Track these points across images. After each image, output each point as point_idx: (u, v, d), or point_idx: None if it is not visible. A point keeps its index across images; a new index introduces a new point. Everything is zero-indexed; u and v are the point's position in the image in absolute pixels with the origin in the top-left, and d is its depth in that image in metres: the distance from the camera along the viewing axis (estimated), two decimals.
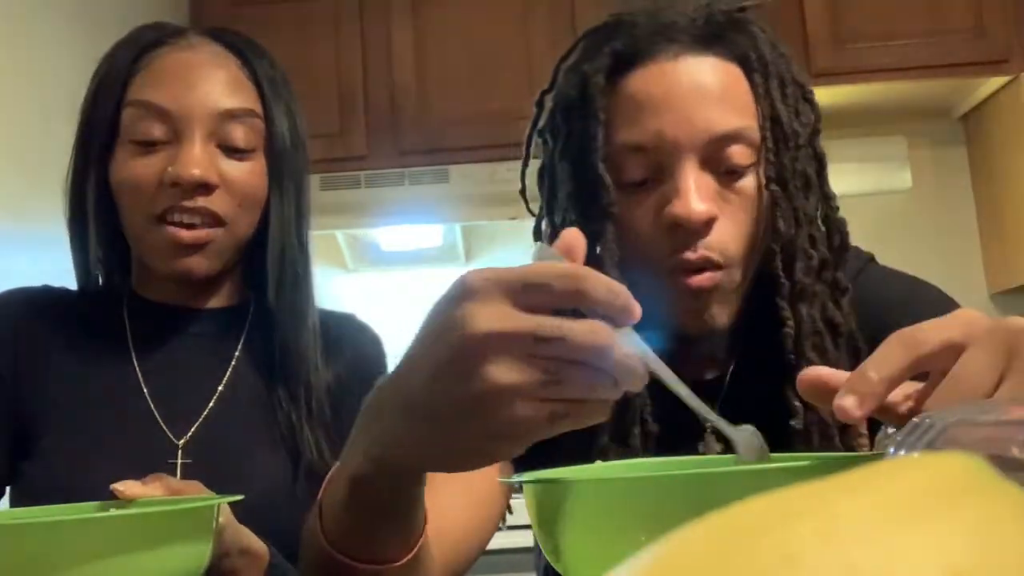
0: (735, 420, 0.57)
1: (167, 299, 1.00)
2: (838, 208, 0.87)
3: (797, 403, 0.79)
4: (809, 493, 0.20)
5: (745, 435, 0.55)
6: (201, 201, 0.92)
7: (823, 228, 0.85)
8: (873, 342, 0.74)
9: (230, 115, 0.94)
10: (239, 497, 0.61)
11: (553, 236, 0.85)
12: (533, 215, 0.93)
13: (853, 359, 0.81)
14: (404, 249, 2.73)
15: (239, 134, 0.94)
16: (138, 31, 0.99)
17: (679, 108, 0.78)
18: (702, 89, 0.79)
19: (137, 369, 0.97)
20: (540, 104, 0.90)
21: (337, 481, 0.60)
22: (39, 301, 0.99)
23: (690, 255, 0.78)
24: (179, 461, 0.92)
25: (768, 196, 0.81)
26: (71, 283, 1.02)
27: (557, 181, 0.86)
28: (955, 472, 0.20)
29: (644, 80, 0.81)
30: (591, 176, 0.81)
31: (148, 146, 0.92)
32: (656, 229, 0.79)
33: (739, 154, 0.79)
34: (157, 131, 0.92)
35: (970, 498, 0.19)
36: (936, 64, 2.42)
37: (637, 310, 0.50)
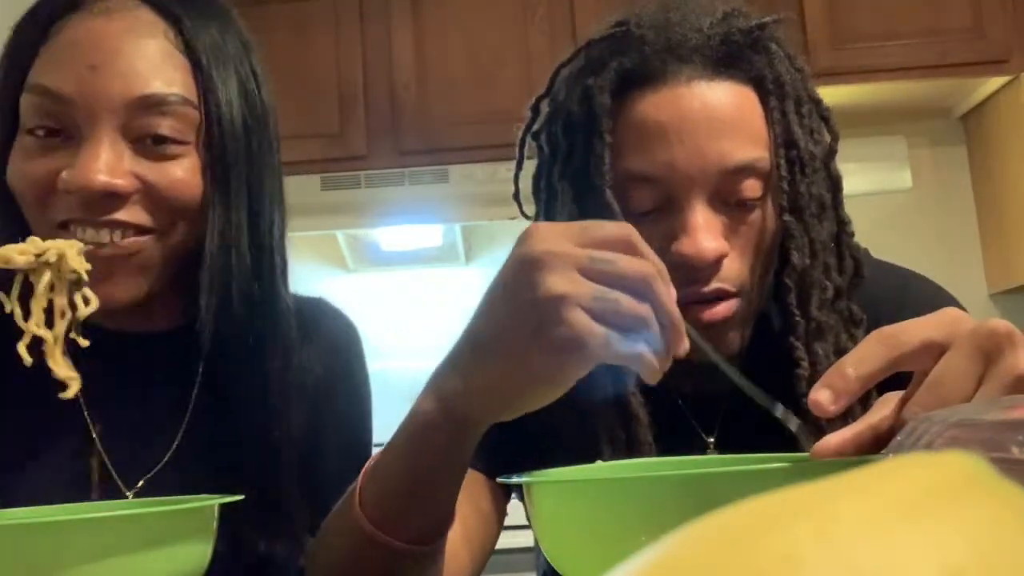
0: (737, 434, 0.58)
1: (101, 320, 0.75)
2: (853, 234, 0.83)
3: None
4: (809, 493, 0.20)
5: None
6: (112, 214, 0.73)
7: (836, 254, 0.82)
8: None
9: (149, 102, 0.74)
10: (239, 497, 0.61)
11: None
12: (527, 218, 0.90)
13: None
14: (404, 249, 2.73)
15: (163, 126, 0.74)
16: None
17: (691, 139, 0.75)
18: (715, 119, 0.76)
19: (84, 406, 0.79)
20: (536, 109, 0.87)
21: (393, 451, 0.64)
22: None
23: (703, 289, 0.76)
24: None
25: (781, 226, 0.79)
26: None
27: (558, 200, 0.83)
28: (955, 472, 0.20)
29: (655, 105, 0.77)
30: (598, 204, 0.77)
31: (40, 138, 0.74)
32: (664, 262, 0.78)
33: (750, 187, 0.77)
34: (52, 120, 0.74)
35: (970, 498, 0.19)
36: (936, 64, 2.42)
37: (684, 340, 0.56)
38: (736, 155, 0.76)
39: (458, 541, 0.78)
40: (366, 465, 0.67)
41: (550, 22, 2.50)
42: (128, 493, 0.78)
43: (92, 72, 0.73)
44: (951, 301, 0.87)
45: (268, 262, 0.81)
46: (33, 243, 0.65)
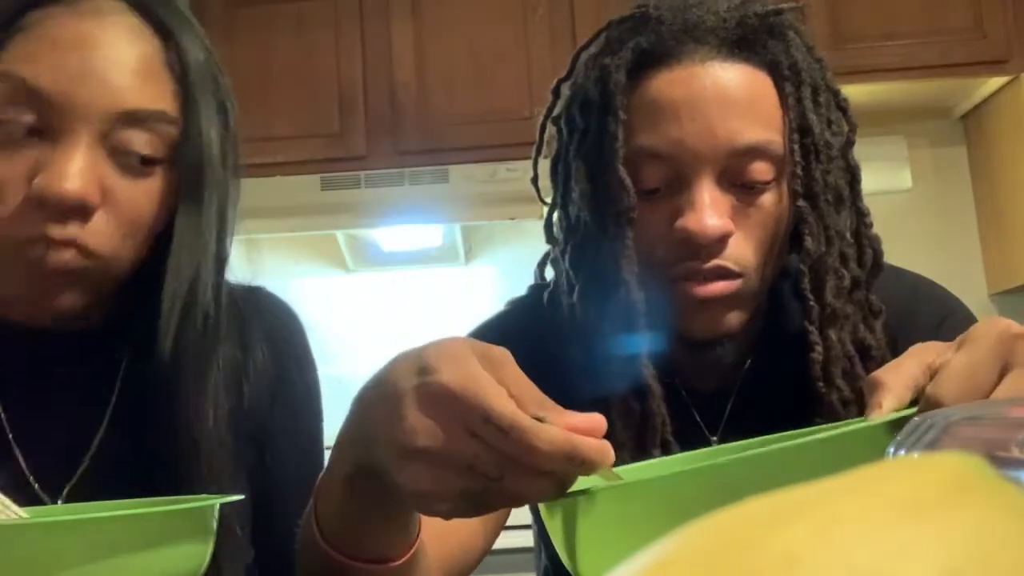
0: (741, 433, 0.57)
1: (19, 316, 0.73)
2: (871, 224, 0.83)
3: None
4: (809, 493, 0.20)
5: None
6: (73, 229, 0.68)
7: (855, 245, 0.82)
8: None
9: (132, 117, 0.70)
10: (239, 497, 0.60)
11: (569, 231, 0.84)
12: (545, 204, 0.90)
13: None
14: (404, 249, 2.73)
15: (140, 141, 0.71)
16: None
17: (701, 117, 0.75)
18: (727, 98, 0.76)
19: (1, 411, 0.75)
20: (556, 92, 0.87)
21: (331, 483, 0.60)
22: None
23: (699, 265, 0.76)
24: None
25: (796, 212, 0.79)
26: None
27: (571, 177, 0.83)
28: (955, 472, 0.20)
29: (668, 83, 0.77)
30: (610, 179, 0.78)
31: (10, 135, 0.69)
32: (668, 238, 0.77)
33: (760, 169, 0.77)
34: (26, 118, 0.68)
35: (970, 498, 0.19)
36: (936, 64, 2.42)
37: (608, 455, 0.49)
38: (746, 135, 0.76)
39: (449, 541, 0.77)
40: (318, 481, 0.63)
41: (550, 22, 2.50)
42: (57, 501, 0.73)
43: (78, 74, 0.69)
44: (958, 305, 0.88)
45: (222, 275, 0.78)
46: None
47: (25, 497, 0.69)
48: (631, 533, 0.47)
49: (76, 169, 0.68)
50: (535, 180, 0.92)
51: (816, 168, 0.78)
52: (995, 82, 2.47)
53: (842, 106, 0.83)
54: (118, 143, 0.70)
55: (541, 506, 0.53)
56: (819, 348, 0.78)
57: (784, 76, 0.78)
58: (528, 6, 2.54)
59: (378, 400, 0.52)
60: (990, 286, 2.67)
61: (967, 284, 2.62)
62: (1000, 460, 0.31)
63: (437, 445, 0.48)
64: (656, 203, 0.78)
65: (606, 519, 0.48)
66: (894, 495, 0.19)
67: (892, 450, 0.39)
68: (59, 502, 0.73)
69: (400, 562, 0.63)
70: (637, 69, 0.79)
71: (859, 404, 0.76)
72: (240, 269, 0.85)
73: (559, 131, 0.87)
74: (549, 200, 0.89)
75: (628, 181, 0.77)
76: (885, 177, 2.54)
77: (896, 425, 0.45)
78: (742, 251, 0.77)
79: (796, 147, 0.78)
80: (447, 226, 2.64)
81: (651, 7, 0.81)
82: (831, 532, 0.18)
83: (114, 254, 0.71)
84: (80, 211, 0.68)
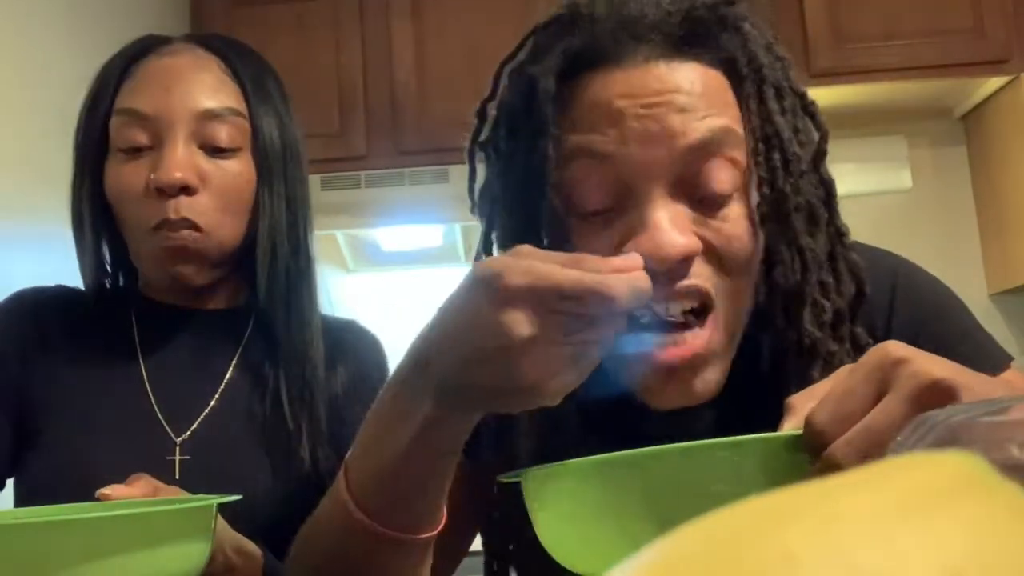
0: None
1: (171, 300, 1.00)
2: (850, 247, 0.72)
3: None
4: (809, 492, 0.20)
5: None
6: (184, 209, 0.91)
7: (833, 272, 0.70)
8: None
9: (211, 115, 0.93)
10: (237, 497, 0.61)
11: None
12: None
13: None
14: (404, 249, 2.73)
15: (222, 133, 0.93)
16: (130, 44, 0.99)
17: (648, 121, 0.64)
18: (676, 100, 0.65)
19: (143, 368, 0.97)
20: (482, 115, 0.79)
21: (369, 437, 0.64)
22: (52, 300, 1.01)
23: (662, 308, 0.64)
24: (177, 458, 0.93)
25: (762, 232, 0.68)
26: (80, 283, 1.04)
27: (501, 205, 0.74)
28: (955, 472, 0.20)
29: (606, 88, 0.66)
30: (541, 205, 0.68)
31: (134, 153, 0.93)
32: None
33: (719, 179, 0.65)
34: (141, 137, 0.92)
35: (970, 498, 0.19)
36: (936, 64, 2.42)
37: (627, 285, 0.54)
38: (699, 130, 0.64)
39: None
40: (351, 450, 0.66)
41: None
42: (177, 440, 0.94)
43: (165, 94, 0.92)
44: (941, 289, 0.81)
45: (301, 256, 1.02)
46: None
47: (157, 435, 0.93)
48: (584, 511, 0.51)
49: (177, 159, 0.90)
50: (474, 210, 0.81)
51: (784, 181, 0.67)
52: (995, 82, 2.48)
53: (810, 111, 0.72)
54: (205, 137, 0.93)
55: (523, 480, 0.56)
56: (794, 390, 0.64)
57: (742, 74, 0.68)
58: (528, 6, 2.54)
59: (465, 324, 0.55)
60: (990, 286, 2.67)
61: (967, 284, 2.62)
62: (1000, 460, 0.31)
63: (536, 330, 0.52)
64: (601, 228, 0.67)
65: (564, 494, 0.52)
66: (894, 494, 0.19)
67: (892, 450, 0.39)
68: (182, 438, 0.94)
69: (429, 535, 0.64)
70: (569, 74, 0.68)
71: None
72: None
73: (488, 157, 0.79)
74: None
75: (561, 208, 0.68)
76: (885, 177, 2.54)
77: (796, 441, 0.48)
78: (706, 273, 0.66)
79: (760, 158, 0.67)
80: (447, 226, 2.64)
81: (582, 5, 0.70)
82: (831, 531, 0.18)
83: (218, 226, 0.93)
84: (185, 191, 0.91)
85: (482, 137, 0.79)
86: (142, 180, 0.92)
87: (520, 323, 0.52)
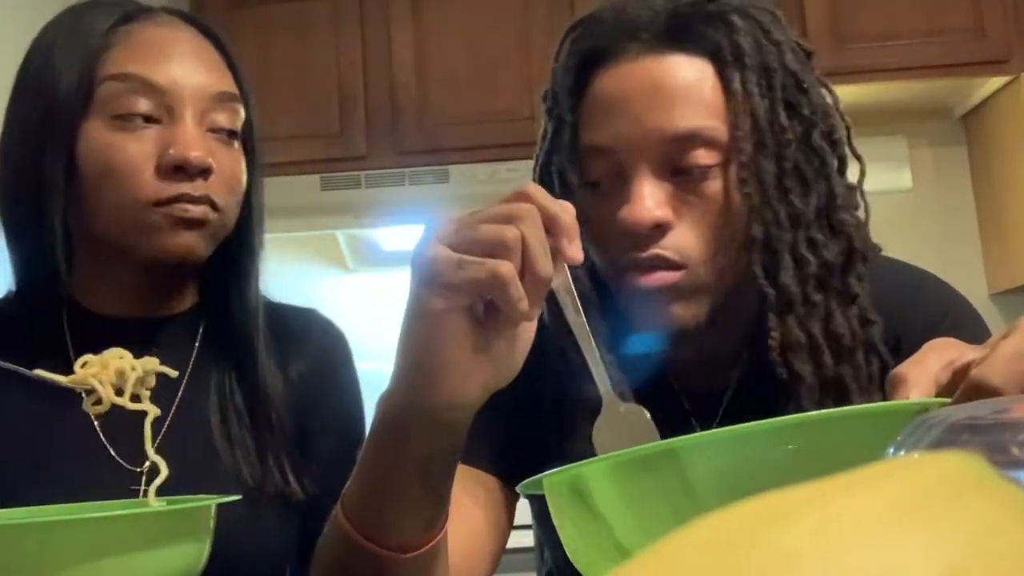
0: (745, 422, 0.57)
1: (116, 311, 0.90)
2: (844, 207, 0.80)
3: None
4: (810, 493, 0.20)
5: (628, 410, 0.64)
6: (203, 188, 0.85)
7: (826, 229, 0.79)
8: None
9: (219, 98, 0.88)
10: (237, 497, 0.61)
11: None
12: None
13: (878, 370, 0.78)
14: (404, 249, 2.73)
15: (225, 119, 0.89)
16: (95, 7, 0.90)
17: (634, 111, 0.77)
18: (660, 90, 0.76)
19: (84, 395, 0.85)
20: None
21: (362, 459, 0.65)
22: None
23: (639, 254, 0.76)
24: (142, 487, 0.83)
25: (741, 199, 0.77)
26: None
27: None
28: (955, 472, 0.20)
29: (605, 82, 0.79)
30: (558, 177, 0.81)
31: (131, 122, 0.84)
32: (610, 231, 0.78)
33: (700, 156, 0.76)
34: (144, 106, 0.84)
35: (970, 498, 0.19)
36: (936, 64, 2.42)
37: (577, 247, 0.59)
38: (678, 123, 0.76)
39: (464, 542, 0.78)
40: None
41: (550, 22, 2.50)
42: (139, 469, 0.85)
43: (177, 67, 0.86)
44: (961, 301, 0.87)
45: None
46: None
47: (110, 468, 0.84)
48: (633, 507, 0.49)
49: (197, 139, 0.85)
50: None
51: (763, 153, 0.77)
52: (995, 82, 2.47)
53: (803, 87, 0.80)
54: (212, 121, 0.88)
55: (545, 482, 0.54)
56: (775, 335, 0.77)
57: (726, 62, 0.77)
58: (528, 6, 2.54)
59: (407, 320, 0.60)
60: (990, 286, 2.67)
61: (967, 284, 2.60)
62: (1000, 460, 0.31)
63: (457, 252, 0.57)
64: (603, 198, 0.80)
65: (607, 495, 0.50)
66: (894, 495, 0.19)
67: (892, 450, 0.39)
68: (144, 466, 0.85)
69: (422, 551, 0.64)
70: (584, 71, 0.81)
71: (831, 391, 0.77)
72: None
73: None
74: None
75: (571, 178, 0.80)
76: (885, 177, 2.54)
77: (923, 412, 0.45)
78: (684, 241, 0.76)
79: (741, 133, 0.76)
80: None
81: (597, 11, 0.84)
82: (832, 531, 0.18)
83: (227, 207, 0.89)
84: (205, 172, 0.85)
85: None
86: (149, 153, 0.84)
87: (432, 230, 0.59)
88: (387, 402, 0.62)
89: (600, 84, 0.80)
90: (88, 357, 0.66)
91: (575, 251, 0.59)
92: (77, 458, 0.84)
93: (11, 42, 0.96)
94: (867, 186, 0.85)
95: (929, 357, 0.53)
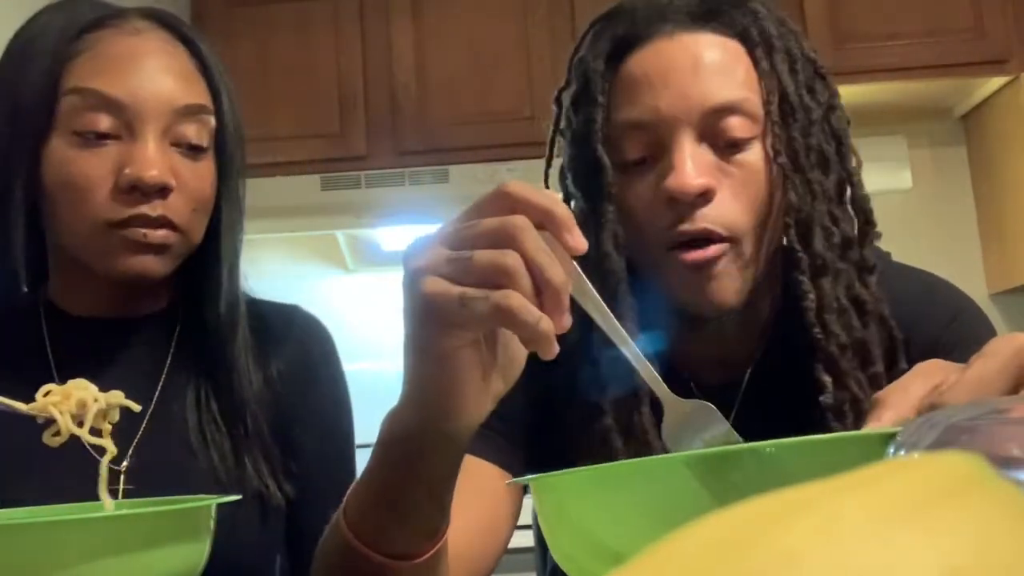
0: (755, 420, 0.57)
1: (92, 311, 0.91)
2: (861, 185, 0.85)
3: (827, 377, 0.78)
4: (810, 493, 0.20)
5: (695, 407, 0.60)
6: (160, 208, 0.83)
7: (844, 205, 0.83)
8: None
9: (185, 111, 0.86)
10: (237, 497, 0.61)
11: None
12: None
13: (889, 345, 0.81)
14: (404, 249, 2.73)
15: (192, 132, 0.86)
16: (72, 6, 0.89)
17: (675, 83, 0.78)
18: (698, 62, 0.79)
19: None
20: (559, 102, 0.90)
21: (366, 468, 0.63)
22: None
23: (687, 227, 0.77)
24: (121, 487, 0.84)
25: (777, 169, 0.80)
26: None
27: (567, 172, 0.87)
28: (955, 472, 0.20)
29: (641, 60, 0.81)
30: (590, 158, 0.81)
31: (91, 138, 0.83)
32: (654, 205, 0.78)
33: (739, 126, 0.78)
34: (104, 123, 0.83)
35: (970, 498, 0.19)
36: (936, 64, 2.42)
37: (577, 235, 0.54)
38: (719, 94, 0.78)
39: (468, 538, 0.78)
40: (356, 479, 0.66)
41: (550, 22, 2.50)
42: (118, 467, 0.84)
43: (139, 82, 0.84)
44: (970, 303, 0.89)
45: (241, 248, 0.94)
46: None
47: (88, 464, 0.77)
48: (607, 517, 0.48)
49: (155, 158, 0.83)
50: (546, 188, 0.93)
51: (794, 128, 0.80)
52: (995, 82, 2.47)
53: (821, 73, 0.85)
54: (177, 135, 0.85)
55: (532, 484, 0.54)
56: (812, 296, 0.79)
57: (755, 42, 0.81)
58: (528, 6, 2.54)
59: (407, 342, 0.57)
60: (990, 286, 2.67)
61: (967, 284, 2.60)
62: (1000, 460, 0.31)
63: (429, 260, 0.54)
64: (642, 174, 0.80)
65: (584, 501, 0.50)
66: (895, 495, 0.19)
67: (892, 450, 0.39)
68: (122, 465, 0.85)
69: (423, 559, 0.64)
70: (615, 57, 0.82)
71: (856, 353, 0.79)
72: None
73: (563, 138, 0.89)
74: None
75: (605, 158, 0.80)
76: (885, 177, 2.54)
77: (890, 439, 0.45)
78: (728, 211, 0.77)
79: (773, 108, 0.79)
80: None
81: (625, 1, 0.86)
82: (832, 531, 0.18)
83: (190, 227, 0.87)
84: (163, 191, 0.83)
85: (562, 124, 0.89)
86: (106, 171, 0.83)
87: (416, 258, 0.54)
88: (396, 423, 0.60)
89: (635, 63, 0.81)
90: (51, 386, 0.64)
91: (578, 240, 0.54)
92: (54, 456, 0.79)
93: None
94: (867, 186, 0.86)
95: (914, 382, 0.52)
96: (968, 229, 2.71)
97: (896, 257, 0.95)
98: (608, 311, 0.57)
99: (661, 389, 0.60)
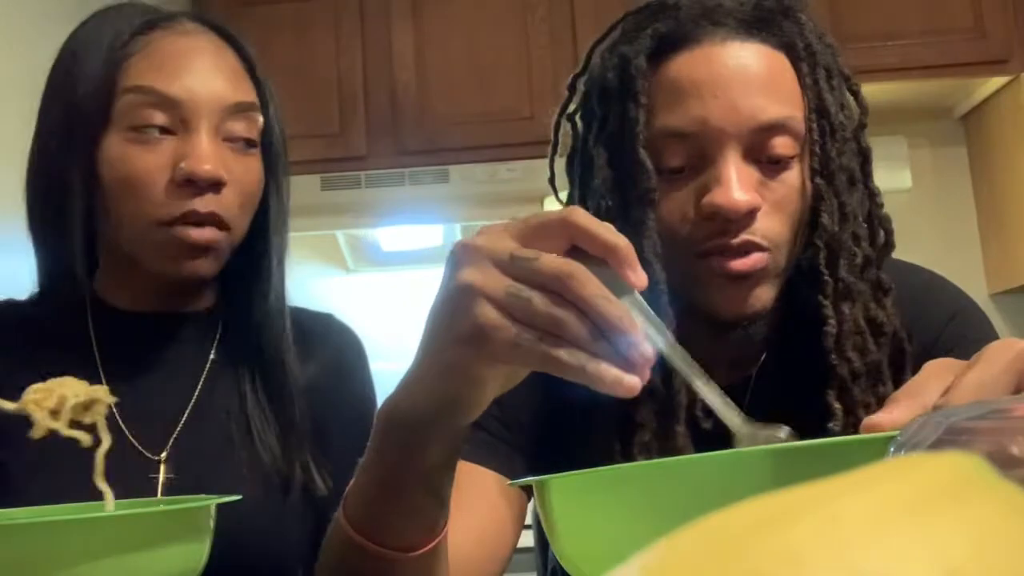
0: (762, 419, 0.57)
1: (138, 307, 0.93)
2: (882, 204, 0.85)
3: (837, 405, 0.78)
4: (810, 493, 0.20)
5: (769, 434, 0.57)
6: (212, 204, 0.86)
7: (866, 225, 0.83)
8: None
9: (236, 108, 0.89)
10: (237, 497, 0.61)
11: None
12: (560, 203, 0.90)
13: (897, 357, 0.81)
14: (404, 249, 2.73)
15: (242, 128, 0.89)
16: (119, 12, 0.92)
17: (724, 94, 0.76)
18: (748, 76, 0.77)
19: (103, 383, 0.86)
20: (572, 88, 0.88)
21: (364, 460, 0.64)
22: None
23: (731, 240, 0.76)
24: (161, 476, 0.87)
25: (813, 189, 0.79)
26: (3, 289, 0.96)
27: (593, 167, 0.83)
28: (955, 472, 0.20)
29: (688, 64, 0.78)
30: (631, 161, 0.79)
31: (148, 134, 0.86)
32: (695, 217, 0.77)
33: (783, 144, 0.77)
34: (159, 119, 0.86)
35: (970, 498, 0.19)
36: (936, 64, 2.42)
37: (640, 271, 0.54)
38: (769, 111, 0.77)
39: (471, 544, 0.77)
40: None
41: (550, 22, 2.50)
42: (157, 457, 0.88)
43: (193, 79, 0.87)
44: (969, 302, 0.89)
45: (288, 248, 0.97)
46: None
47: (128, 454, 0.85)
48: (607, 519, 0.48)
49: (209, 152, 0.86)
50: (552, 180, 0.92)
51: (832, 147, 0.79)
52: (995, 82, 2.47)
53: (854, 90, 0.85)
54: (228, 131, 0.89)
55: (533, 485, 0.54)
56: (832, 322, 0.79)
57: (800, 56, 0.80)
58: (528, 7, 2.54)
59: (443, 321, 0.55)
60: (990, 286, 2.66)
61: (967, 284, 2.59)
62: (1000, 460, 0.31)
63: (481, 278, 0.52)
64: (680, 183, 0.79)
65: (583, 503, 0.50)
66: (895, 495, 0.19)
67: (892, 450, 0.39)
68: (163, 454, 0.88)
69: (423, 551, 0.64)
70: (657, 55, 0.80)
71: (869, 377, 0.79)
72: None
73: (574, 126, 0.87)
74: (564, 198, 0.90)
75: (649, 163, 0.78)
76: (885, 177, 2.52)
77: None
78: (770, 225, 0.77)
79: (814, 126, 0.79)
80: (447, 226, 2.64)
81: None
82: (832, 531, 0.18)
83: (237, 225, 0.90)
84: (216, 186, 0.86)
85: (571, 108, 0.88)
86: (162, 166, 0.86)
87: (469, 272, 0.53)
88: (396, 415, 0.60)
89: (681, 66, 0.78)
90: (37, 385, 0.65)
91: (640, 277, 0.53)
92: (79, 454, 0.83)
93: (27, 42, 0.96)
94: None
95: (929, 383, 0.52)
96: (968, 229, 2.71)
97: (896, 256, 0.95)
98: (676, 342, 0.56)
99: (733, 418, 0.57)
